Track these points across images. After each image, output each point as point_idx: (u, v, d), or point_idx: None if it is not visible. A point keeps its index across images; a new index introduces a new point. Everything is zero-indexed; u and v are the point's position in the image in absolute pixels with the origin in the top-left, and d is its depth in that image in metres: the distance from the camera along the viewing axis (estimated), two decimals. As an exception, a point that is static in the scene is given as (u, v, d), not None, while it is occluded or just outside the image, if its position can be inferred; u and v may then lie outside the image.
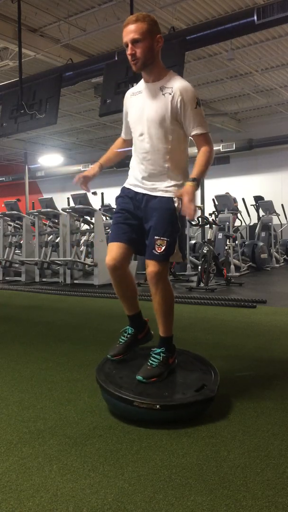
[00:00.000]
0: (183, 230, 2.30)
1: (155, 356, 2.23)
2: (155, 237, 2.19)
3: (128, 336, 2.41)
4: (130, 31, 2.09)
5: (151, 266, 2.20)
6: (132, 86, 2.27)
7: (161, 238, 2.18)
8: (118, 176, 7.19)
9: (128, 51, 2.12)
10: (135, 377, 2.16)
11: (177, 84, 2.15)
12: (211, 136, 2.22)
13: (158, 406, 1.95)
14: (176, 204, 2.20)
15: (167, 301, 2.24)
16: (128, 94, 2.34)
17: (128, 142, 2.48)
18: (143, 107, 2.22)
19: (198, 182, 2.13)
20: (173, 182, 2.22)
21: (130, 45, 2.10)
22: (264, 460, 1.65)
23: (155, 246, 2.18)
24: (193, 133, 2.17)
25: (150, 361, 2.22)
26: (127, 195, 2.33)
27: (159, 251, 2.17)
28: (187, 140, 2.28)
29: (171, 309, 2.28)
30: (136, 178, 2.31)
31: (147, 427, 1.95)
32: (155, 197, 2.23)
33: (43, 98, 8.67)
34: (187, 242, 9.32)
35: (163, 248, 2.17)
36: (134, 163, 2.33)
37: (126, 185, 2.37)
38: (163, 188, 2.23)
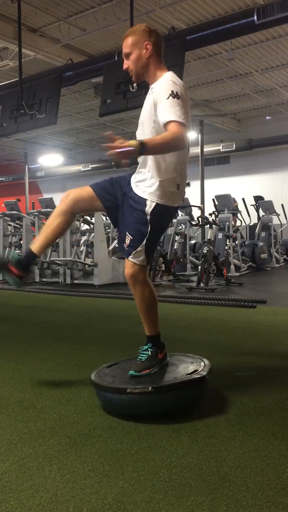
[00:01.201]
0: (155, 235, 2.25)
1: (143, 352, 2.29)
2: (126, 233, 2.26)
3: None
4: (123, 47, 2.21)
5: (127, 268, 2.27)
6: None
7: (128, 234, 2.24)
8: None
9: (124, 66, 2.24)
10: (127, 374, 2.20)
11: (158, 81, 2.15)
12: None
13: (150, 388, 1.99)
14: (147, 208, 2.17)
15: (144, 301, 2.28)
16: None
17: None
18: (143, 109, 2.28)
19: (144, 146, 1.89)
20: (151, 182, 2.17)
21: (124, 60, 2.23)
22: (264, 460, 1.65)
23: (125, 239, 2.26)
24: (162, 121, 2.01)
25: (140, 357, 2.28)
26: (120, 181, 2.36)
27: (126, 246, 2.25)
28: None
29: (151, 309, 2.31)
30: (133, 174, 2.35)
31: (147, 427, 1.95)
32: (135, 193, 2.22)
33: (43, 98, 8.67)
34: (187, 242, 9.32)
35: (128, 243, 2.23)
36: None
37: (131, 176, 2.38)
38: (141, 186, 2.21)
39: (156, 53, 2.20)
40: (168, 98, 2.02)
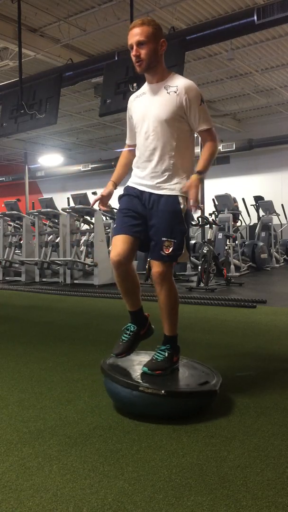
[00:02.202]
0: (188, 230, 2.32)
1: (161, 352, 2.27)
2: (163, 239, 2.21)
3: (131, 333, 2.38)
4: (136, 34, 2.16)
5: (156, 267, 2.23)
6: (132, 86, 2.31)
7: (169, 239, 2.20)
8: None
9: (133, 52, 2.18)
10: (139, 370, 2.20)
11: (182, 83, 2.21)
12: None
13: (163, 391, 1.99)
14: (182, 206, 2.22)
15: (171, 301, 2.27)
16: (132, 97, 2.38)
17: (133, 149, 2.46)
18: (148, 106, 2.25)
19: (203, 175, 2.18)
20: (178, 180, 2.24)
21: (135, 47, 2.17)
22: (264, 460, 1.65)
23: (162, 247, 2.20)
24: (200, 128, 2.23)
25: (156, 356, 2.26)
26: (131, 194, 2.32)
27: (166, 252, 2.20)
28: (193, 138, 2.32)
29: (175, 309, 2.31)
30: (141, 177, 2.31)
31: (147, 427, 1.95)
32: (161, 196, 2.24)
33: (43, 98, 8.67)
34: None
35: (171, 249, 2.20)
36: (139, 163, 2.33)
37: (130, 183, 2.36)
38: (168, 186, 2.23)
39: (164, 53, 2.26)
40: (201, 104, 2.20)
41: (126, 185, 2.38)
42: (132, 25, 2.19)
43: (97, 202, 2.51)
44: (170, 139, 2.21)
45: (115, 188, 2.50)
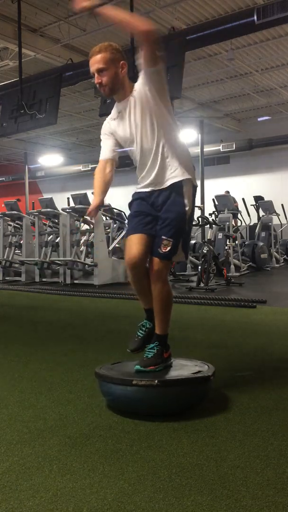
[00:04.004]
0: (189, 230, 2.36)
1: (150, 350, 2.30)
2: (162, 237, 2.25)
3: (146, 329, 2.40)
4: (95, 62, 2.23)
5: (154, 264, 2.27)
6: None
7: (168, 238, 2.25)
8: (118, 176, 7.21)
9: (96, 80, 2.26)
10: (132, 370, 2.22)
11: (137, 84, 2.27)
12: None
13: (156, 381, 2.02)
14: (187, 208, 2.28)
15: (163, 300, 2.29)
16: (109, 119, 2.43)
17: (112, 162, 2.45)
18: (127, 120, 2.31)
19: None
20: (176, 165, 2.29)
21: (96, 74, 2.25)
22: (264, 460, 1.65)
23: (161, 245, 2.25)
24: (140, 60, 2.19)
25: (146, 354, 2.29)
26: (140, 198, 2.38)
27: (164, 250, 2.25)
28: (177, 128, 2.39)
29: (168, 308, 2.33)
30: (148, 182, 2.35)
31: (147, 427, 1.95)
32: (169, 192, 2.29)
33: (43, 98, 8.67)
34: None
35: (168, 248, 2.25)
36: (143, 174, 2.36)
37: (138, 190, 2.42)
38: (170, 175, 2.29)
39: (127, 73, 2.29)
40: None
41: (134, 191, 2.43)
42: (91, 53, 2.25)
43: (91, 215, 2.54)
44: (159, 140, 2.26)
45: (101, 200, 2.45)
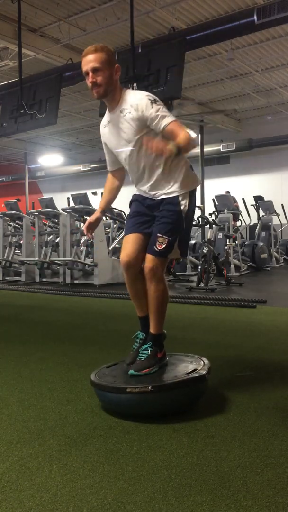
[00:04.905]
0: (188, 229, 2.34)
1: (143, 351, 2.29)
2: (158, 234, 2.25)
3: (141, 341, 2.39)
4: (90, 61, 2.18)
5: (148, 262, 2.26)
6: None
7: (163, 236, 2.24)
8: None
9: (89, 79, 2.20)
10: (127, 374, 2.21)
11: (131, 101, 2.21)
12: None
13: (150, 387, 2.00)
14: (182, 207, 2.26)
15: (158, 298, 2.28)
16: (101, 126, 2.42)
17: (118, 172, 2.53)
18: (115, 135, 2.30)
19: (179, 147, 2.06)
20: (173, 182, 2.28)
21: (91, 73, 2.19)
22: (264, 460, 1.65)
23: (156, 242, 2.25)
24: (161, 127, 2.16)
25: (139, 356, 2.28)
26: (137, 200, 2.41)
27: (159, 248, 2.25)
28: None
29: (163, 307, 2.32)
30: (141, 191, 2.39)
31: (147, 427, 1.95)
32: (161, 200, 2.30)
33: (43, 98, 8.67)
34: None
35: (164, 246, 2.24)
36: (135, 183, 2.39)
37: (136, 192, 2.44)
38: (165, 191, 2.29)
39: (119, 77, 2.28)
40: (152, 108, 2.16)
41: (134, 193, 2.45)
42: (85, 52, 2.20)
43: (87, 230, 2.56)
44: (147, 155, 2.24)
45: (103, 215, 2.59)
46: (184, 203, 2.27)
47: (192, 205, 2.33)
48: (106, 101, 2.29)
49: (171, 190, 2.28)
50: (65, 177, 20.42)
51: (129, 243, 2.31)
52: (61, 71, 8.98)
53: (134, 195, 2.44)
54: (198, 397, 2.17)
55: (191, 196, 2.33)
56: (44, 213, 8.69)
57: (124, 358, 2.38)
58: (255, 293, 6.22)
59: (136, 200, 2.42)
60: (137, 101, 2.19)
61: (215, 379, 2.24)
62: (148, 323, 2.36)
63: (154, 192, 2.31)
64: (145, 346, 2.30)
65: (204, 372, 2.14)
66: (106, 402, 2.16)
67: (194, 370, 2.16)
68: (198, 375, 2.11)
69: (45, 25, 9.34)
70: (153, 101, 2.17)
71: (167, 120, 2.16)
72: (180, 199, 2.27)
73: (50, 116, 8.55)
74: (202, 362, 2.26)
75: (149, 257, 2.26)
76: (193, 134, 2.17)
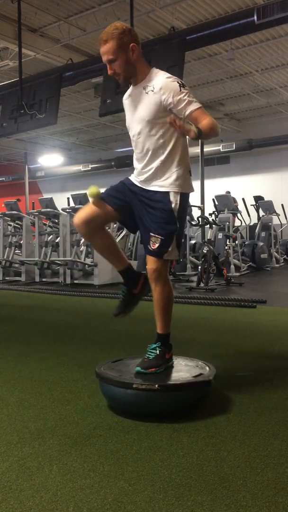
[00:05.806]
0: (181, 228, 2.31)
1: (152, 350, 2.29)
2: (150, 234, 2.24)
3: (124, 293, 2.46)
4: (103, 53, 2.19)
5: (150, 263, 2.27)
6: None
7: (156, 235, 2.23)
8: (118, 176, 7.22)
9: (108, 71, 2.23)
10: (133, 371, 2.21)
11: (158, 81, 2.19)
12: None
13: (157, 386, 2.01)
14: (173, 205, 2.22)
15: (164, 298, 2.28)
16: (124, 98, 2.41)
17: None
18: (133, 109, 2.29)
19: (200, 132, 2.06)
20: (169, 174, 2.24)
21: (108, 65, 2.21)
22: (264, 460, 1.65)
23: (150, 242, 2.24)
24: (187, 113, 2.14)
25: (147, 355, 2.28)
26: (126, 183, 2.38)
27: (153, 247, 2.24)
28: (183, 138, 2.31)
29: (169, 307, 2.32)
30: (136, 174, 2.36)
31: (147, 427, 1.95)
32: (153, 192, 2.26)
33: (43, 98, 8.67)
34: (187, 242, 9.32)
35: (157, 245, 2.23)
36: (135, 162, 2.38)
37: (130, 177, 2.41)
38: (158, 183, 2.25)
39: (140, 51, 2.23)
40: (180, 91, 2.12)
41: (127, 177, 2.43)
42: (98, 41, 2.20)
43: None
44: (157, 138, 2.22)
45: None
46: (174, 201, 2.22)
47: (182, 207, 2.27)
48: (132, 80, 2.29)
49: (163, 183, 2.24)
50: (65, 177, 20.41)
51: (89, 206, 2.31)
52: (61, 71, 8.99)
53: (127, 178, 2.39)
54: (202, 401, 2.17)
55: (182, 199, 2.25)
56: (44, 213, 8.69)
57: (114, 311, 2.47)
58: (255, 293, 6.22)
59: (125, 183, 2.37)
60: (165, 82, 2.16)
61: (216, 379, 2.24)
62: (127, 276, 2.43)
63: (146, 176, 2.27)
64: (154, 345, 2.30)
65: (211, 378, 2.13)
66: (110, 397, 2.16)
67: (200, 374, 2.16)
68: (204, 379, 2.11)
69: (45, 25, 9.35)
70: (181, 85, 2.15)
71: (194, 106, 2.14)
72: (171, 197, 2.22)
73: (50, 116, 8.56)
74: (208, 368, 2.26)
75: (150, 259, 2.26)
76: (216, 123, 2.17)
